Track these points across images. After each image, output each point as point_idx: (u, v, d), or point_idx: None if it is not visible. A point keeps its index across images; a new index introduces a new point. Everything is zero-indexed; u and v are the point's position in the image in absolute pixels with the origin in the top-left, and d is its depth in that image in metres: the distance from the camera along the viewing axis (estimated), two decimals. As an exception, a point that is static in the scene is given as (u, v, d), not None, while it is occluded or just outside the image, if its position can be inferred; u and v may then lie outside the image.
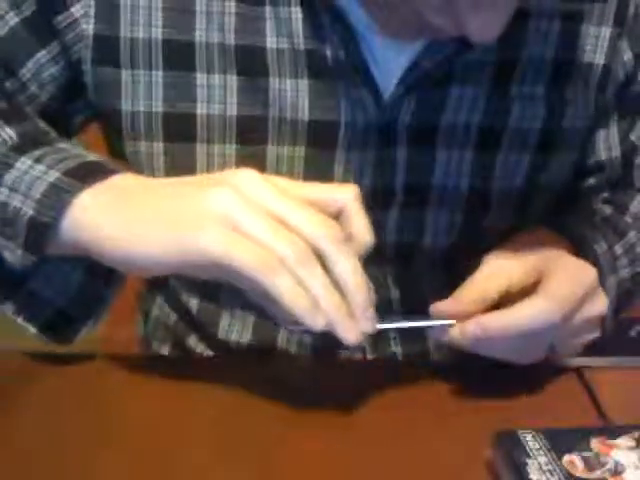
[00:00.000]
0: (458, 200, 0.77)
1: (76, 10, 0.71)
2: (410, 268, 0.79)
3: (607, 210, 0.82)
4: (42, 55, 0.73)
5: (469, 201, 0.77)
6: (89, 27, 0.71)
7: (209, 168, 0.74)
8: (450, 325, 0.65)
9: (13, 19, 0.72)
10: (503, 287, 0.67)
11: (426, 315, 0.66)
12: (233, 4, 0.71)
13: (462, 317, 0.65)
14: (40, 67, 0.73)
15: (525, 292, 0.67)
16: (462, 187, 0.77)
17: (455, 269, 0.73)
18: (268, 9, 0.71)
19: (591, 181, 0.84)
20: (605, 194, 0.84)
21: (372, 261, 0.78)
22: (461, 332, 0.65)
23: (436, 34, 0.65)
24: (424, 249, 0.78)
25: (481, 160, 0.76)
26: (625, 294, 0.78)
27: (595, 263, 0.72)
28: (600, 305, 0.69)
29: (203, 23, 0.71)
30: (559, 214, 0.81)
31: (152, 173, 0.74)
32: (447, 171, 0.76)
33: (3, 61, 0.73)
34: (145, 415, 0.66)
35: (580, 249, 0.73)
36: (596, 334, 0.71)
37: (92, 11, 0.71)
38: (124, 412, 0.66)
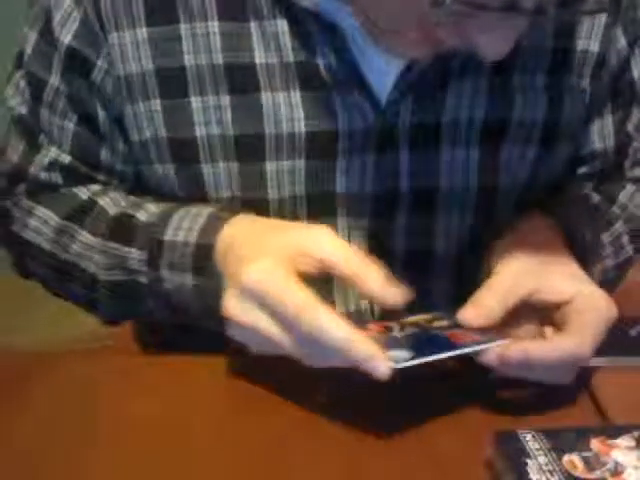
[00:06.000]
0: (467, 200, 0.76)
1: (101, 62, 0.73)
2: (421, 276, 0.78)
3: (596, 198, 0.82)
4: (107, 142, 0.77)
5: (478, 200, 0.77)
6: (118, 73, 0.73)
7: (216, 186, 0.75)
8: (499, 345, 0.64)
9: (69, 126, 0.77)
10: (523, 298, 0.66)
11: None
12: (216, 24, 0.71)
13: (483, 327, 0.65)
14: (112, 150, 0.77)
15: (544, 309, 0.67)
16: (470, 186, 0.76)
17: (467, 274, 0.73)
18: (253, 24, 0.71)
19: (584, 170, 0.83)
20: (596, 182, 0.84)
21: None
22: (501, 356, 0.64)
23: (444, 50, 0.65)
24: (436, 255, 0.78)
25: (487, 156, 0.76)
26: (608, 283, 0.78)
27: (584, 251, 0.72)
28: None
29: (190, 47, 0.72)
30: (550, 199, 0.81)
31: (171, 191, 0.76)
32: (453, 171, 0.75)
33: (85, 162, 0.78)
34: (145, 414, 0.66)
35: (570, 238, 0.73)
36: None
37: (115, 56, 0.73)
38: (124, 411, 0.66)
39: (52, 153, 0.78)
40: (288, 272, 0.62)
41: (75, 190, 0.79)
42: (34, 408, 0.67)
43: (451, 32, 0.62)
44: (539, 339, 0.66)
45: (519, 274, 0.67)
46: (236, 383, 0.69)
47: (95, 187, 0.79)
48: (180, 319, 0.74)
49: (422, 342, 0.64)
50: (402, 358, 0.61)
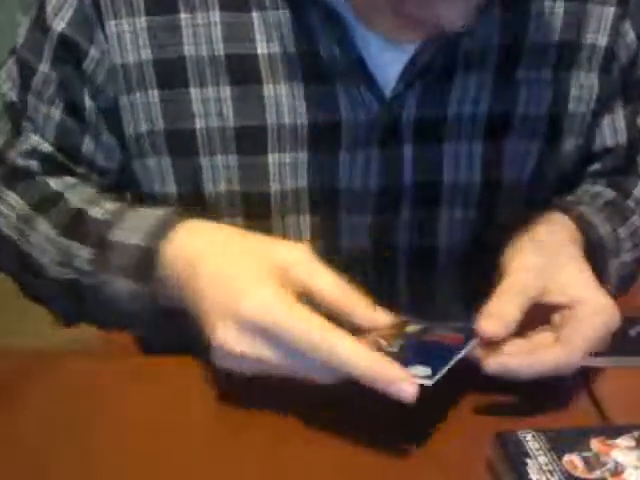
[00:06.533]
0: (471, 195, 0.76)
1: (94, 51, 0.73)
2: (424, 272, 0.78)
3: (610, 194, 0.81)
4: (91, 134, 0.76)
5: (482, 195, 0.76)
6: (113, 62, 0.73)
7: (214, 180, 0.74)
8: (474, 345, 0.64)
9: (55, 114, 0.76)
10: (534, 300, 0.66)
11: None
12: (217, 13, 0.71)
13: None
14: (95, 143, 0.76)
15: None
16: (474, 181, 0.76)
17: (470, 271, 0.73)
18: (255, 14, 0.71)
19: (596, 166, 0.83)
20: (610, 178, 0.83)
21: (383, 266, 0.78)
22: (484, 363, 0.63)
23: (409, 26, 0.64)
24: (439, 251, 0.78)
25: (491, 151, 0.75)
26: (626, 277, 0.78)
27: (600, 247, 0.72)
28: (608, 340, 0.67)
29: (190, 37, 0.71)
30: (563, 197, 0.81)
31: (163, 187, 0.75)
32: (457, 165, 0.75)
33: (66, 153, 0.77)
34: (145, 414, 0.66)
35: (586, 233, 0.72)
36: None
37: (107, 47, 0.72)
38: (124, 411, 0.66)
39: (33, 141, 0.77)
40: (289, 299, 0.59)
41: (48, 180, 0.77)
42: (34, 408, 0.66)
43: (416, 3, 0.61)
44: (523, 350, 0.65)
45: (530, 276, 0.66)
46: (237, 385, 0.69)
47: (69, 180, 0.77)
48: (123, 326, 0.72)
49: (428, 353, 0.63)
50: (424, 374, 0.60)
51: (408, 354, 0.62)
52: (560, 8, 0.74)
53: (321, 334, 0.57)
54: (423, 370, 0.60)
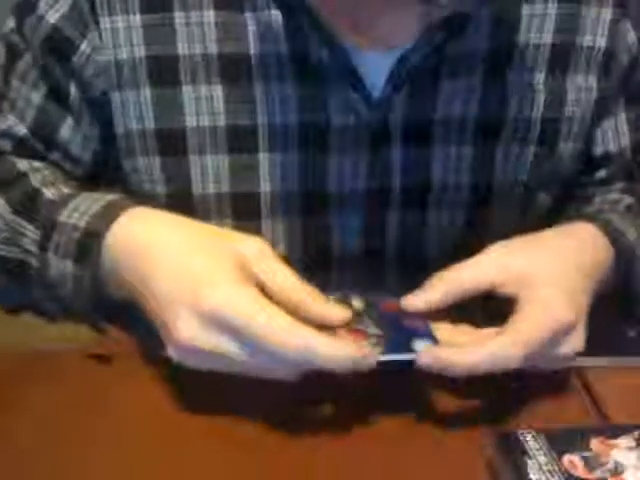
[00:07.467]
0: (459, 198, 0.76)
1: (85, 46, 0.72)
2: (413, 273, 0.78)
3: (628, 199, 0.81)
4: (72, 120, 0.75)
5: (471, 198, 0.76)
6: (105, 58, 0.72)
7: (203, 180, 0.74)
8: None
9: (36, 99, 0.75)
10: (480, 287, 0.65)
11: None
12: (212, 13, 0.71)
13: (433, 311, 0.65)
14: (73, 130, 0.76)
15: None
16: (463, 184, 0.76)
17: None
18: (249, 15, 0.71)
19: (602, 173, 0.82)
20: (621, 184, 0.82)
21: (371, 267, 0.78)
22: (420, 359, 0.61)
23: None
24: (428, 255, 0.78)
25: (481, 155, 0.75)
26: None
27: (630, 252, 0.71)
28: (575, 344, 0.64)
29: (184, 35, 0.71)
30: (568, 208, 0.80)
31: (152, 186, 0.75)
32: (446, 168, 0.75)
33: (41, 138, 0.76)
34: (145, 414, 0.66)
35: (617, 241, 0.72)
36: (570, 363, 0.67)
37: (100, 42, 0.72)
38: (124, 411, 0.66)
39: (9, 121, 0.77)
40: (252, 292, 0.59)
41: (16, 160, 0.77)
42: (34, 408, 0.66)
43: None
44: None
45: (483, 266, 0.66)
46: (237, 383, 0.69)
47: (37, 163, 0.77)
48: (64, 313, 0.71)
49: (404, 326, 0.64)
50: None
51: (393, 333, 0.63)
52: (553, 10, 0.74)
53: (288, 328, 0.57)
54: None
